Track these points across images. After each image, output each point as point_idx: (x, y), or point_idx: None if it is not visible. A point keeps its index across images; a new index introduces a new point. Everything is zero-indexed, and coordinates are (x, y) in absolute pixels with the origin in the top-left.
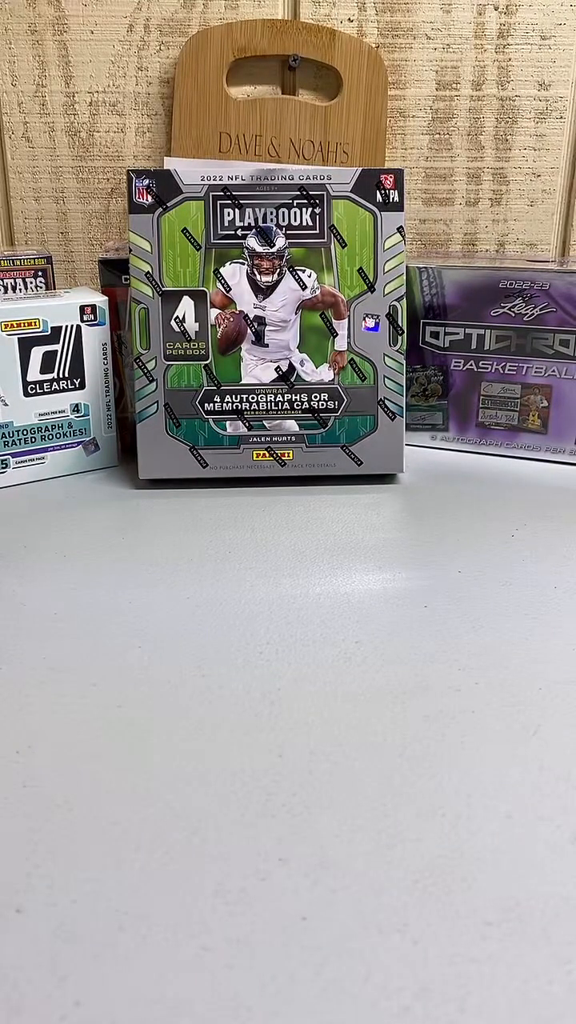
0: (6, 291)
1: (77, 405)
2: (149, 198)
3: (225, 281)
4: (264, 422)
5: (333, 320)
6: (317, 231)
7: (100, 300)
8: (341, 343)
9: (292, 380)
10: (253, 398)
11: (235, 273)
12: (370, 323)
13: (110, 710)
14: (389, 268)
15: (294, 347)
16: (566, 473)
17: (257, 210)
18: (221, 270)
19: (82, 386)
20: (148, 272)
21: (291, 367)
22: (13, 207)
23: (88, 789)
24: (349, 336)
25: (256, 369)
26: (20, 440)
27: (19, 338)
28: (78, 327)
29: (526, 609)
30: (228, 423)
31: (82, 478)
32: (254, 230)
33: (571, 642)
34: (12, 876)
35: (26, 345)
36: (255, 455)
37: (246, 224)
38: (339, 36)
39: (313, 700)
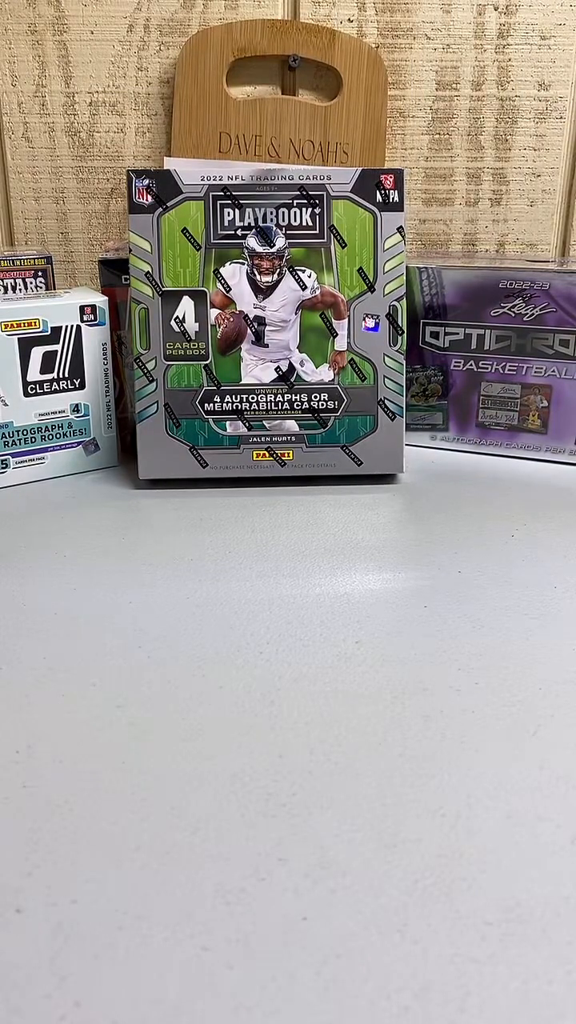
0: (6, 291)
1: (77, 405)
2: (149, 198)
3: (225, 281)
4: (264, 422)
5: (333, 320)
6: (317, 231)
7: (100, 300)
8: (341, 343)
9: (292, 380)
10: (253, 398)
11: (235, 273)
12: (370, 323)
13: (110, 710)
14: (389, 268)
15: (294, 347)
16: (566, 473)
17: (257, 210)
18: (221, 270)
19: (82, 386)
20: (148, 272)
21: (291, 367)
22: (13, 207)
23: (88, 789)
24: (349, 336)
25: (256, 369)
26: (20, 440)
27: (19, 338)
28: (78, 327)
29: (526, 609)
30: (228, 423)
31: (82, 478)
32: (254, 230)
33: (571, 642)
34: (12, 876)
35: (26, 345)
36: (255, 455)
37: (246, 224)
38: (339, 36)
39: (313, 700)
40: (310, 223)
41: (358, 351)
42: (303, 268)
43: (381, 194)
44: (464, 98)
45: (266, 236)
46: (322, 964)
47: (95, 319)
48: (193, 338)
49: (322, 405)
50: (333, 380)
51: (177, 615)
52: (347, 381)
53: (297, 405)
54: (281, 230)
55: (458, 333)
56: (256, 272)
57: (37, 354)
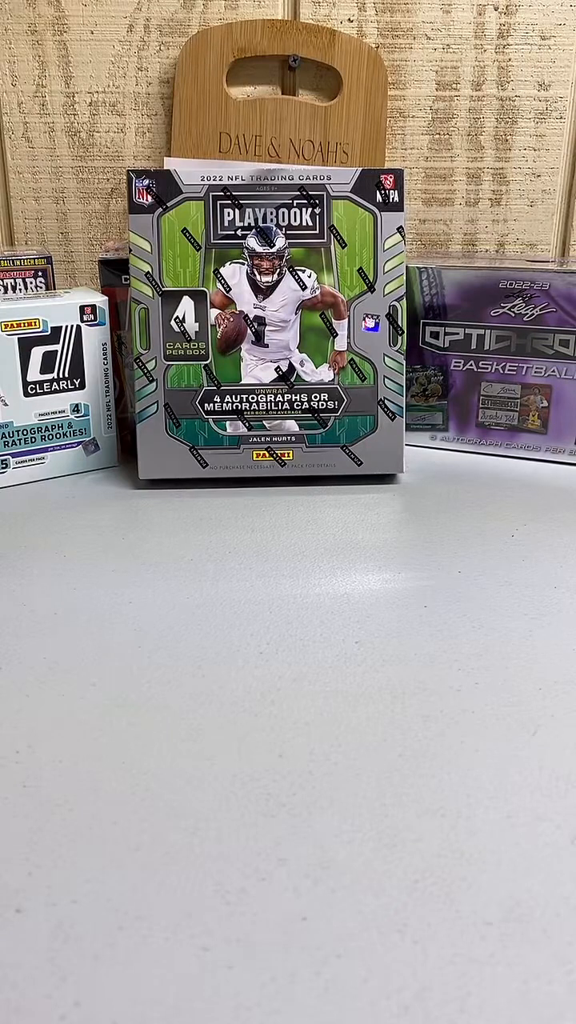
0: (6, 291)
1: (77, 405)
2: (149, 198)
3: (225, 281)
4: (264, 422)
5: (333, 320)
6: (317, 231)
7: (100, 300)
8: (341, 343)
9: (292, 380)
10: (253, 398)
11: (235, 273)
12: (370, 323)
13: (110, 710)
14: (389, 268)
15: (294, 347)
16: (566, 473)
17: (257, 210)
18: (221, 270)
19: (82, 386)
20: (148, 272)
21: (291, 367)
22: (13, 207)
23: (88, 789)
24: (349, 336)
25: (256, 369)
26: (20, 440)
27: (19, 338)
28: (78, 327)
29: (526, 609)
30: (228, 423)
31: (82, 478)
32: (254, 230)
33: (571, 642)
34: (12, 876)
35: (26, 345)
36: (255, 455)
37: (246, 224)
38: (339, 36)
39: (313, 700)
40: (310, 223)
41: (358, 351)
42: (303, 268)
43: (381, 194)
44: (464, 98)
45: (266, 236)
46: (322, 964)
47: (95, 319)
48: (193, 338)
49: (322, 405)
50: (333, 380)
51: (177, 615)
52: (347, 381)
53: (297, 405)
54: (281, 230)
55: (458, 333)
56: (256, 272)
57: (37, 354)
